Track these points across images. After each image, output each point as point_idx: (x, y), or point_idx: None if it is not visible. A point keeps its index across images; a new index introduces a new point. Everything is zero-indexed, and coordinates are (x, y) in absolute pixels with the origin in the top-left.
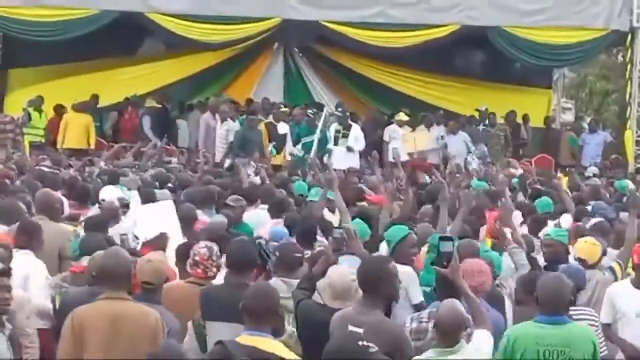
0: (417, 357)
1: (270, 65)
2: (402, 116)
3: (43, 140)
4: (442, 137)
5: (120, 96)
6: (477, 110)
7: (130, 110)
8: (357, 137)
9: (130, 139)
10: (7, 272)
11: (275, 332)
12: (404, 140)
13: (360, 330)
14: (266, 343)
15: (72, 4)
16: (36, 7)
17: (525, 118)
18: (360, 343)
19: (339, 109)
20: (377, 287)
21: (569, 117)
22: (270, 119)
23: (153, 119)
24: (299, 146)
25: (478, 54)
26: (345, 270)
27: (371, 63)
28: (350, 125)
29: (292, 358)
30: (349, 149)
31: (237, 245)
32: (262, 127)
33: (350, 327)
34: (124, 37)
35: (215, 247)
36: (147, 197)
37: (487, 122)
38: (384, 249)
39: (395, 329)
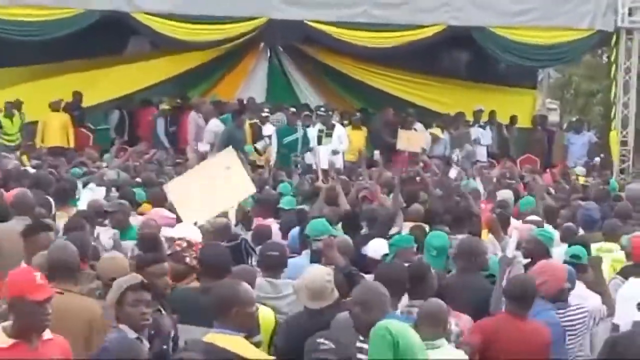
0: None
1: (255, 65)
2: (436, 131)
3: (17, 144)
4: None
5: (106, 96)
6: (475, 111)
7: (142, 111)
8: (340, 137)
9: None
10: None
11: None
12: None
13: None
14: (225, 339)
15: (57, 3)
16: (20, 6)
17: (513, 120)
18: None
19: (321, 109)
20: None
21: (554, 117)
22: (255, 119)
23: (166, 122)
24: (263, 143)
25: (463, 54)
26: (320, 270)
27: (356, 63)
28: (334, 125)
29: (251, 355)
30: (335, 152)
31: (211, 250)
32: (246, 127)
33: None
34: (110, 37)
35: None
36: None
37: (481, 122)
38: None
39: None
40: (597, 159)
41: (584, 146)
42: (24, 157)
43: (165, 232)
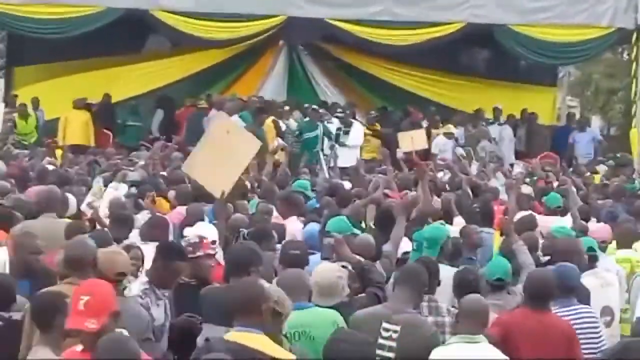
0: (440, 346)
1: (275, 62)
2: (450, 129)
3: (33, 142)
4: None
5: (126, 94)
6: (494, 109)
7: (183, 109)
8: (355, 134)
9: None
10: None
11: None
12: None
13: (397, 328)
14: (250, 338)
15: (77, 1)
16: (41, 4)
17: (532, 116)
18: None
19: (339, 110)
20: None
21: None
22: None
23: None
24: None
25: (483, 52)
26: (331, 267)
27: (376, 61)
28: (352, 123)
29: (276, 354)
30: (351, 147)
31: (237, 249)
32: (269, 123)
33: (385, 325)
34: (130, 35)
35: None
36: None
37: (501, 120)
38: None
39: (430, 328)
40: (611, 162)
41: (589, 144)
42: (53, 153)
43: (186, 232)
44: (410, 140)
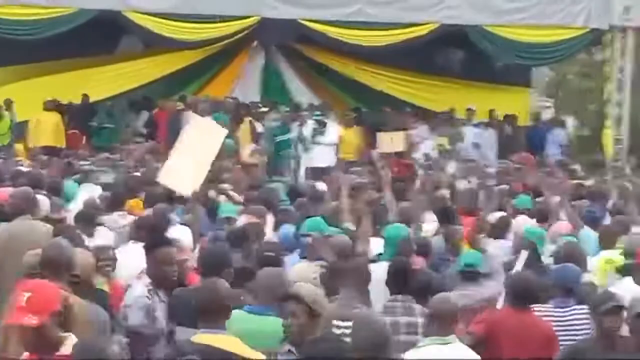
0: (413, 349)
1: (249, 63)
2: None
3: (6, 143)
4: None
5: (99, 95)
6: (467, 109)
7: (157, 111)
8: (331, 133)
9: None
10: None
11: None
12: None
13: (349, 324)
14: (218, 339)
15: (50, 2)
16: (14, 5)
17: (513, 117)
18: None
19: (317, 113)
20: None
21: (548, 115)
22: (251, 117)
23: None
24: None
25: (457, 53)
26: (307, 267)
27: (350, 61)
28: (326, 123)
29: (247, 354)
30: (327, 145)
31: (210, 251)
32: (246, 125)
33: (336, 322)
34: (102, 36)
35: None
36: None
37: (474, 121)
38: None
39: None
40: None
41: (555, 143)
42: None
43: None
44: (390, 141)
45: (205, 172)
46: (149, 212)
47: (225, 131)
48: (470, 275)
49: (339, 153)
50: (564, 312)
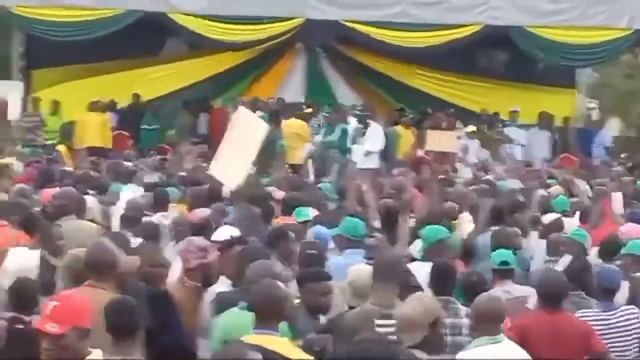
0: (463, 351)
1: (292, 65)
2: (471, 128)
3: (56, 142)
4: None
5: (144, 96)
6: (511, 111)
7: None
8: (374, 137)
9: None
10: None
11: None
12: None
13: (392, 322)
14: (272, 341)
15: (96, 4)
16: (60, 7)
17: (564, 119)
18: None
19: (358, 109)
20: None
21: (594, 117)
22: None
23: None
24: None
25: (501, 54)
26: (367, 268)
27: (393, 62)
28: (369, 124)
29: (296, 356)
30: (367, 153)
31: (250, 252)
32: (302, 125)
33: (379, 322)
34: (147, 37)
35: (197, 240)
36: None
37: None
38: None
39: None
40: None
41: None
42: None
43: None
44: (438, 140)
45: (247, 167)
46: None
47: (266, 126)
48: (506, 270)
49: (395, 152)
50: (610, 314)
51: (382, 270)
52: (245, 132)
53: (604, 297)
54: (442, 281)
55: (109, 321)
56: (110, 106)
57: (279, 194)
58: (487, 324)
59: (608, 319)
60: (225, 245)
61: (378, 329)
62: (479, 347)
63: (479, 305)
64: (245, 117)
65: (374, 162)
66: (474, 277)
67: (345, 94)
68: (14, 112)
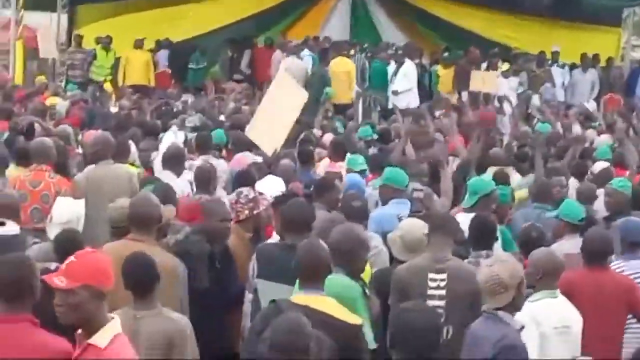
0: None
1: (336, 3)
2: (505, 66)
3: (107, 79)
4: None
5: (184, 34)
6: (553, 52)
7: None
8: (405, 74)
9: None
10: None
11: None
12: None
13: (444, 276)
14: (319, 301)
15: None
16: None
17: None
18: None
19: (393, 47)
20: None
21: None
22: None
23: None
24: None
25: None
26: (418, 223)
27: (438, 1)
28: (403, 63)
29: (344, 317)
30: (394, 93)
31: (294, 206)
32: (349, 65)
33: (431, 276)
34: None
35: (245, 190)
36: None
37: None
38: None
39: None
40: None
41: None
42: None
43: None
44: (482, 81)
45: (285, 134)
46: (238, 157)
47: (306, 94)
48: (578, 227)
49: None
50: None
51: (438, 224)
52: (285, 99)
53: (628, 250)
54: (482, 235)
55: (125, 278)
56: (164, 44)
57: (326, 137)
58: (547, 278)
59: (635, 272)
60: (278, 202)
61: (430, 283)
62: (538, 300)
63: (540, 260)
64: (287, 83)
65: (405, 102)
66: (533, 232)
67: (390, 32)
68: (50, 47)
